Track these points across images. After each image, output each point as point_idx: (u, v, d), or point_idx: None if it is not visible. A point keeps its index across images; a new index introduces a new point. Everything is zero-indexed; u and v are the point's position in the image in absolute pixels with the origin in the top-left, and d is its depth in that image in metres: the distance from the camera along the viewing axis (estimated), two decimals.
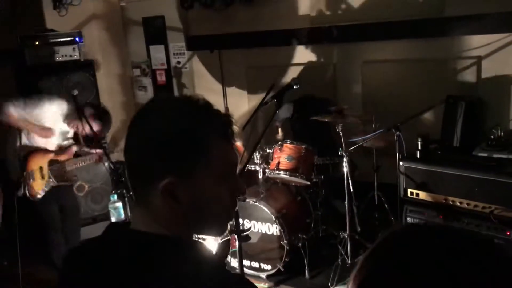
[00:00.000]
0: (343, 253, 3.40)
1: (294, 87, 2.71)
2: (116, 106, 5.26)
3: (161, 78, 5.37)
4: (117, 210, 2.70)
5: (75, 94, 3.39)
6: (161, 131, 0.94)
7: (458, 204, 2.92)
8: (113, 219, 2.92)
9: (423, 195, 3.06)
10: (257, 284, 3.51)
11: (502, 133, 3.17)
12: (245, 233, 2.59)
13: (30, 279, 3.50)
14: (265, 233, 3.49)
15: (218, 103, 4.71)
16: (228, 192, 1.00)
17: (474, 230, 2.62)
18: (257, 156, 3.53)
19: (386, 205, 3.68)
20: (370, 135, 3.24)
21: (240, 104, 4.93)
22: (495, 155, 3.09)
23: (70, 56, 4.47)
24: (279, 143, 3.59)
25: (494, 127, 3.18)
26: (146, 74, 5.40)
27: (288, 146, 3.55)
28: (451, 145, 3.36)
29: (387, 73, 4.10)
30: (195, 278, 0.88)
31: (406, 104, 3.72)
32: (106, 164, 3.53)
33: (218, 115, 0.98)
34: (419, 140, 3.10)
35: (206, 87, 5.06)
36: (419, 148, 3.10)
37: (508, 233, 2.71)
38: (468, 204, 2.88)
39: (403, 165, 3.13)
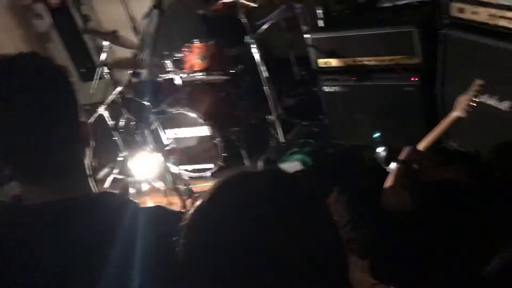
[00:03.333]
0: (274, 134, 3.54)
1: None
2: (15, 41, 4.89)
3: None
4: None
5: None
6: None
7: (366, 63, 3.01)
8: None
9: (334, 62, 3.12)
10: (205, 184, 3.70)
11: None
12: (167, 148, 2.63)
13: None
14: (200, 136, 3.56)
15: (119, 13, 4.47)
16: None
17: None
18: (169, 64, 3.46)
19: (307, 79, 3.77)
20: (272, 14, 3.19)
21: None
22: (397, 3, 3.12)
23: None
24: (186, 44, 3.49)
25: None
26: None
27: (197, 46, 3.47)
28: (356, 2, 3.35)
29: None
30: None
31: None
32: None
33: None
34: (320, 9, 3.08)
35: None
36: (320, 17, 3.08)
37: (412, 78, 2.85)
38: (375, 60, 2.97)
39: (310, 37, 3.13)
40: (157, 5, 2.49)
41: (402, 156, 1.91)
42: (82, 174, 1.02)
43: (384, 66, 2.96)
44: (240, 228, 0.69)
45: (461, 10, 2.51)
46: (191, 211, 0.75)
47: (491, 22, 2.35)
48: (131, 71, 3.27)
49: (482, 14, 2.39)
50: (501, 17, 2.29)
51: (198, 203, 0.75)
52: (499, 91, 2.32)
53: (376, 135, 2.12)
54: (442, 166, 1.89)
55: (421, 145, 2.05)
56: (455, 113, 2.01)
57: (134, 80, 3.22)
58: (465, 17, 2.49)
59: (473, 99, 2.00)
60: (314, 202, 0.75)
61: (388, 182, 1.84)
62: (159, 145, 2.90)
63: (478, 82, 2.01)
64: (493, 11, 2.32)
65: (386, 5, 3.18)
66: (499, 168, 1.96)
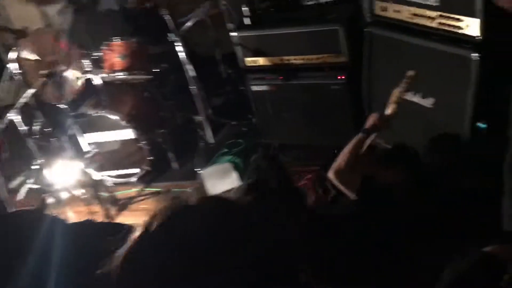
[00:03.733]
0: (203, 135, 3.43)
1: None
2: None
3: None
4: None
5: None
6: None
7: (294, 61, 2.98)
8: None
9: (261, 60, 3.06)
10: (129, 190, 3.51)
11: None
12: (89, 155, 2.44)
13: None
14: (124, 139, 3.37)
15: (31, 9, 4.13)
16: None
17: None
18: (86, 63, 3.22)
19: (234, 77, 3.69)
20: (196, 11, 3.08)
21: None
22: (322, 0, 3.12)
23: None
24: (105, 42, 3.27)
25: None
26: None
27: (117, 44, 3.26)
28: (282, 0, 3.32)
29: None
30: None
31: None
32: None
33: None
34: (245, 6, 3.00)
35: None
36: (247, 14, 3.00)
37: (339, 77, 2.86)
38: (302, 59, 2.95)
39: (236, 35, 3.05)
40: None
41: (367, 125, 1.90)
42: None
43: (311, 65, 2.95)
44: (176, 261, 0.69)
45: (384, 9, 2.54)
46: (129, 244, 0.74)
47: (412, 20, 2.40)
48: (45, 72, 3.01)
49: (404, 13, 2.43)
50: (421, 15, 2.34)
51: (136, 234, 0.74)
52: (423, 89, 2.37)
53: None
54: (388, 167, 1.89)
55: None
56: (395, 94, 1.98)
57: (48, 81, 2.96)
58: (388, 15, 2.52)
59: (405, 91, 2.00)
60: (250, 226, 0.74)
61: (346, 149, 1.82)
62: (78, 151, 2.69)
63: (410, 73, 2.02)
64: (414, 9, 2.37)
65: (310, 3, 3.17)
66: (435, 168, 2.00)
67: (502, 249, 1.21)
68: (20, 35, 3.33)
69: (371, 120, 1.96)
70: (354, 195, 1.76)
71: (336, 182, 1.83)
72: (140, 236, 0.73)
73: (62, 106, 2.65)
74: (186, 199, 0.79)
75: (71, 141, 2.84)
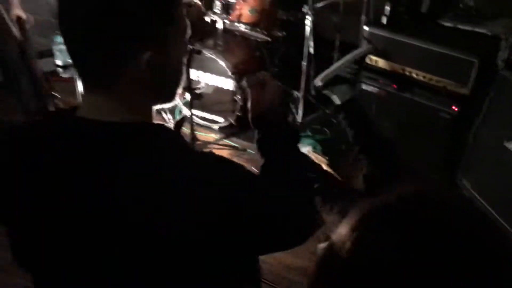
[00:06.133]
0: (294, 112, 3.45)
1: None
2: None
3: None
4: (63, 53, 2.50)
5: None
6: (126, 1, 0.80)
7: (414, 75, 2.92)
8: (58, 62, 2.71)
9: (382, 63, 3.02)
10: (208, 135, 3.61)
11: (473, 3, 3.06)
12: (197, 91, 2.52)
13: None
14: (220, 87, 3.45)
15: None
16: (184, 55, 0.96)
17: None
18: (217, 4, 3.30)
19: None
20: None
21: None
22: (460, 26, 3.03)
23: None
24: None
25: None
26: None
27: None
28: (419, 11, 3.25)
29: None
30: (177, 163, 0.85)
31: None
32: None
33: None
34: (388, 5, 2.96)
35: None
36: (387, 13, 2.96)
37: (453, 107, 2.78)
38: (424, 76, 2.88)
39: (367, 30, 3.02)
40: None
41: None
42: None
43: (429, 85, 2.88)
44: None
45: None
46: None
47: None
48: None
49: None
50: None
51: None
52: None
53: None
54: None
55: None
56: None
57: None
58: None
59: None
60: None
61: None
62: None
63: None
64: None
65: (447, 24, 3.08)
66: None
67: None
68: None
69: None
70: None
71: None
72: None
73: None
74: None
75: None
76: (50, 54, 4.04)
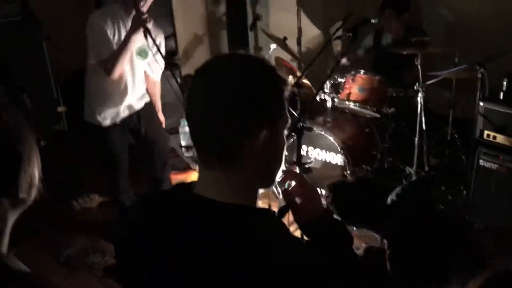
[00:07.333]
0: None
1: (372, 21, 2.55)
2: (188, 19, 5.23)
3: None
4: (187, 135, 2.78)
5: None
6: (246, 85, 0.92)
7: None
8: (183, 142, 3.01)
9: (500, 138, 2.89)
10: None
11: None
12: (307, 165, 2.61)
13: None
14: (329, 162, 3.51)
15: (291, 23, 4.59)
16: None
17: None
18: (327, 85, 3.45)
19: (458, 143, 3.54)
20: (450, 70, 3.04)
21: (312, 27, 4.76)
22: None
23: None
24: (352, 73, 3.46)
25: None
26: None
27: (361, 77, 3.42)
28: None
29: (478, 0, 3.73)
30: (281, 246, 0.90)
31: (495, 38, 3.40)
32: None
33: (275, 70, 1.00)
34: (505, 80, 2.87)
35: (280, 5, 4.91)
36: (504, 89, 2.87)
37: None
38: None
39: (483, 105, 2.94)
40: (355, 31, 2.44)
41: None
42: None
43: None
44: None
45: None
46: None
47: None
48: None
49: None
50: None
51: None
52: None
53: None
54: None
55: None
56: None
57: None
58: None
59: None
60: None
61: None
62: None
63: None
64: None
65: None
66: None
67: None
68: (278, 42, 3.71)
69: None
70: None
71: None
72: None
73: (294, 113, 2.89)
74: None
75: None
76: (173, 132, 4.45)
